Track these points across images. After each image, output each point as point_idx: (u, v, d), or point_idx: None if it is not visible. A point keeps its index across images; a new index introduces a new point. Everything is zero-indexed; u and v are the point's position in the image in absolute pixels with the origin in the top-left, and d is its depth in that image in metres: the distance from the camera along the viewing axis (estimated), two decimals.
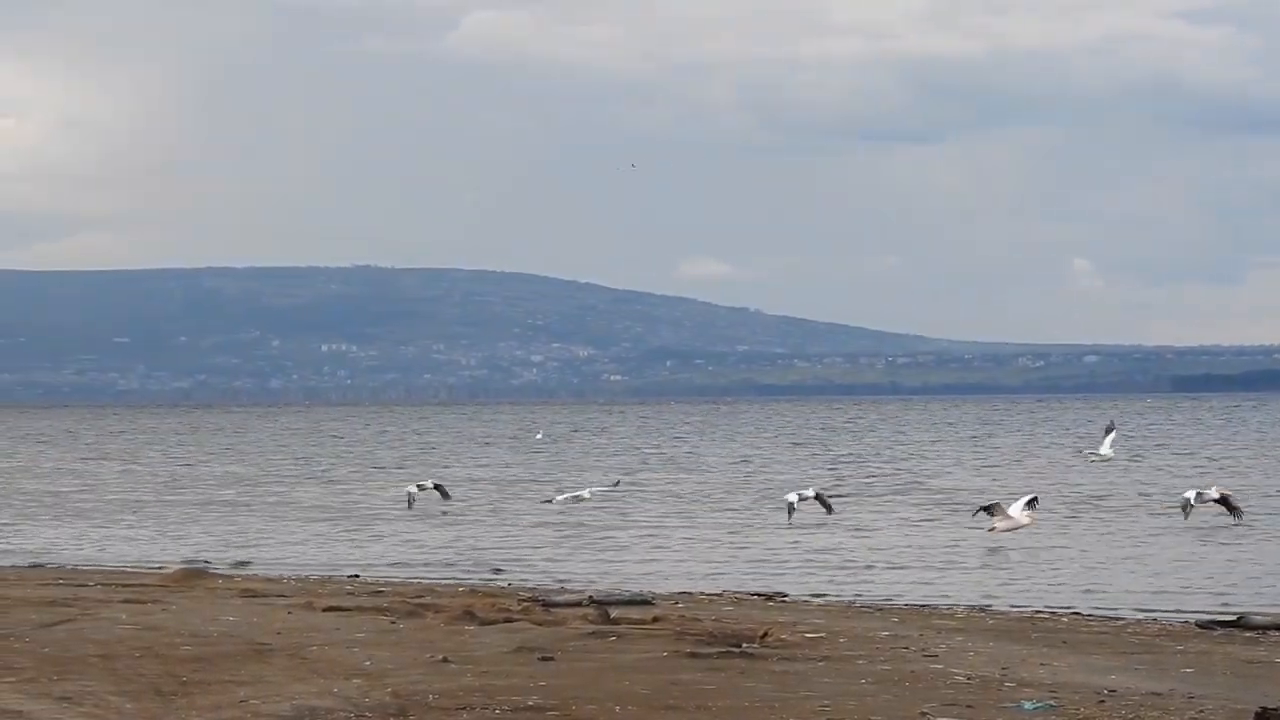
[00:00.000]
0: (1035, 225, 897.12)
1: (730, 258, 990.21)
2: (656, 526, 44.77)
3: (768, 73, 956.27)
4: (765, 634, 21.65)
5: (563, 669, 18.86)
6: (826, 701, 16.79)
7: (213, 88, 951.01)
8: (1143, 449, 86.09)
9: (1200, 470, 64.91)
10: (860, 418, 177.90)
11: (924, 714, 16.30)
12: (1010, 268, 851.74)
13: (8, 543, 42.83)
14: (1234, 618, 24.61)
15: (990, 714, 16.39)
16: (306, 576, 32.81)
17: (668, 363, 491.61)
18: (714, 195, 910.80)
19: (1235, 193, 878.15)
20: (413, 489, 51.25)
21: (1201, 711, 16.56)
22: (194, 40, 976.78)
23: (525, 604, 25.65)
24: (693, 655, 19.82)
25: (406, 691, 17.34)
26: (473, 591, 28.78)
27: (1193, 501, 41.35)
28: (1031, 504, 38.01)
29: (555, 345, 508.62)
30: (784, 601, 28.28)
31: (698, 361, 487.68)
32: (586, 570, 34.28)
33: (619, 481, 51.43)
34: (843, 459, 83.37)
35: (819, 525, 43.28)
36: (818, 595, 29.71)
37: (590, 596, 26.75)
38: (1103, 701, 16.98)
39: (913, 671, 18.82)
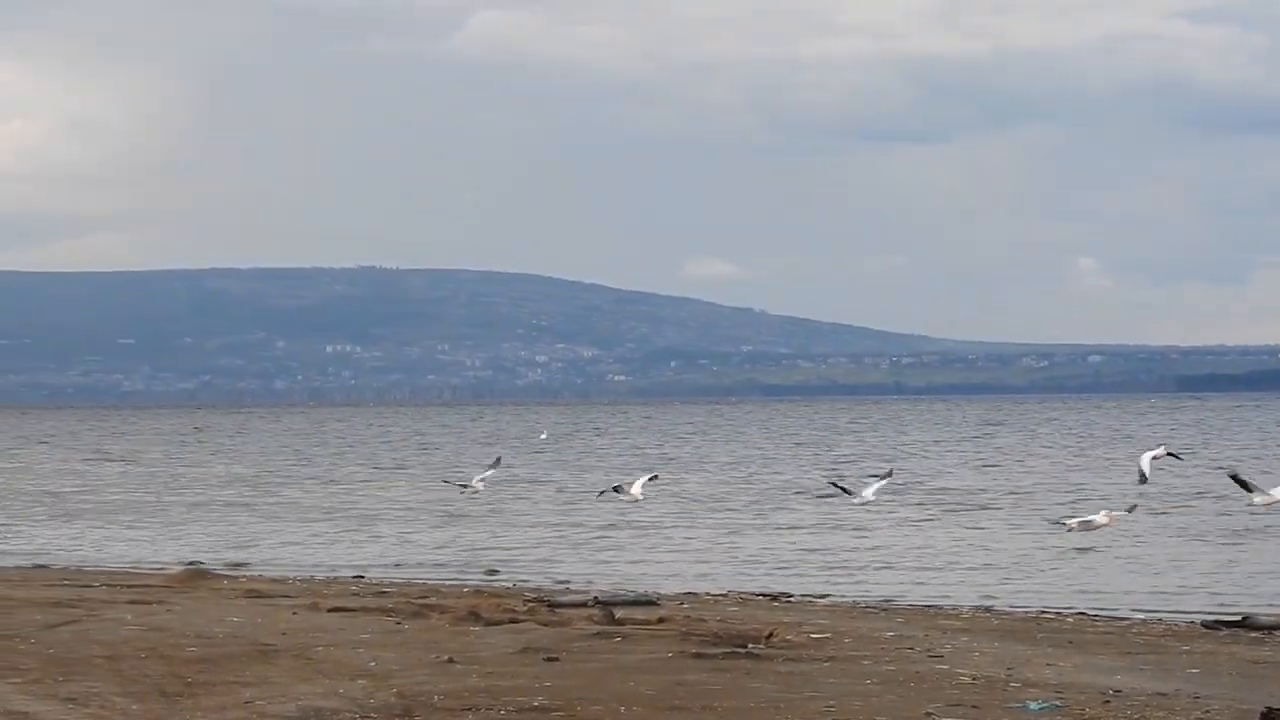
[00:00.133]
0: (1037, 225, 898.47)
1: (734, 258, 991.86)
2: (658, 526, 44.75)
3: (768, 72, 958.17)
4: (770, 634, 21.64)
5: (568, 670, 18.85)
6: (832, 702, 16.78)
7: (214, 88, 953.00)
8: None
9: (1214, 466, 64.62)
10: (863, 418, 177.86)
11: (929, 714, 16.29)
12: (1013, 268, 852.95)
13: (8, 543, 42.82)
14: (1239, 618, 24.57)
15: (995, 714, 16.38)
16: (311, 577, 32.81)
17: (672, 363, 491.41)
18: (715, 195, 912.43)
19: (1237, 192, 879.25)
20: (477, 483, 44.95)
21: (1207, 712, 16.54)
22: (194, 40, 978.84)
23: (530, 605, 25.66)
24: (698, 656, 19.81)
25: (412, 692, 17.34)
26: (477, 592, 28.78)
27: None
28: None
29: (560, 346, 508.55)
30: (789, 602, 28.28)
31: (702, 362, 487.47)
32: (601, 571, 34.24)
33: (656, 475, 50.91)
34: (843, 459, 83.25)
35: (819, 525, 43.25)
36: (822, 595, 29.71)
37: (595, 597, 26.72)
38: (1108, 702, 16.97)
39: (918, 672, 18.81)
